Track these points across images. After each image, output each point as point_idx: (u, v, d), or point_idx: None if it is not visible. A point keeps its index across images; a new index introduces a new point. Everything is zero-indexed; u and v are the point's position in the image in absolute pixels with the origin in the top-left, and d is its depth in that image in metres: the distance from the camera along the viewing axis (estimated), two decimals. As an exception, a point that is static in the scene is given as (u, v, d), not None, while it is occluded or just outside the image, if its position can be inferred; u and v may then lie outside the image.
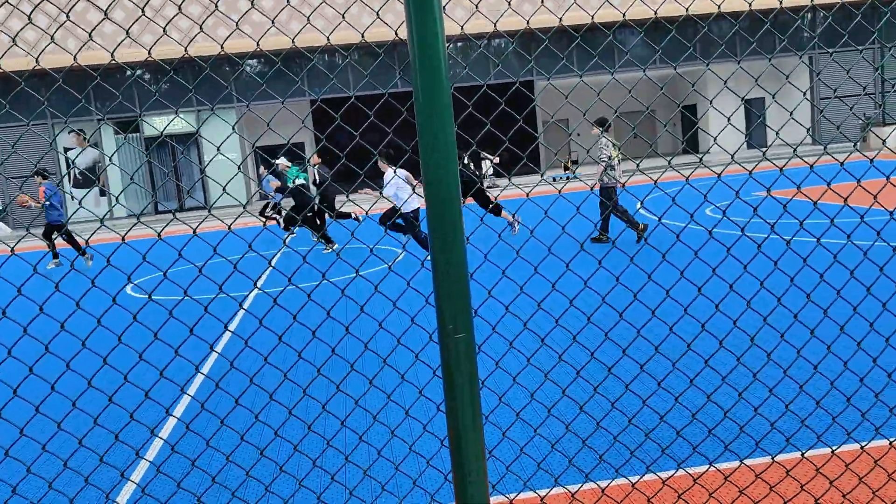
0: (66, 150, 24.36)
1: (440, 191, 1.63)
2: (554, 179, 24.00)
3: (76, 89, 23.40)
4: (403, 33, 23.52)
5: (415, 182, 10.01)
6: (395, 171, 9.57)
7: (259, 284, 9.34)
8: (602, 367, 4.91)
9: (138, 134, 24.79)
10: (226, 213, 23.49)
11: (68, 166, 24.27)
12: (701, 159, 1.82)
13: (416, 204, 10.01)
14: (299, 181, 12.31)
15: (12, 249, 1.69)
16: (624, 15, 2.24)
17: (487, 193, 9.97)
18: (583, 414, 4.11)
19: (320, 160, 14.00)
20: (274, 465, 3.84)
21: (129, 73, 23.79)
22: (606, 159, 9.54)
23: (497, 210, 11.14)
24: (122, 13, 23.16)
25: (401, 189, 9.91)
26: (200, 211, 24.89)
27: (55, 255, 13.29)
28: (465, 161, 14.48)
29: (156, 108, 23.86)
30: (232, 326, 7.29)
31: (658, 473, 3.24)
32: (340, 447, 4.01)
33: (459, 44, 25.20)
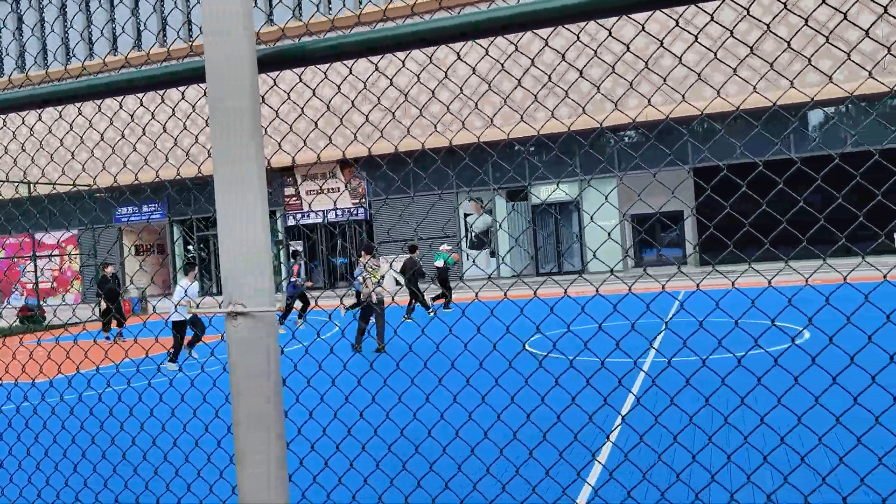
0: (466, 215, 27.73)
1: None
2: None
3: (477, 164, 26.61)
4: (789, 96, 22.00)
5: None
6: None
7: (656, 346, 9.39)
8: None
9: (526, 202, 27.12)
10: (599, 278, 24.21)
11: (466, 230, 27.57)
12: None
13: None
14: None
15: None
16: None
17: None
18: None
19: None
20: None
21: (517, 147, 26.31)
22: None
23: None
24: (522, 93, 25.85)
25: None
26: (576, 275, 26.02)
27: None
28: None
29: (541, 179, 25.92)
30: (634, 388, 7.57)
31: None
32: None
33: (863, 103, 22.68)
